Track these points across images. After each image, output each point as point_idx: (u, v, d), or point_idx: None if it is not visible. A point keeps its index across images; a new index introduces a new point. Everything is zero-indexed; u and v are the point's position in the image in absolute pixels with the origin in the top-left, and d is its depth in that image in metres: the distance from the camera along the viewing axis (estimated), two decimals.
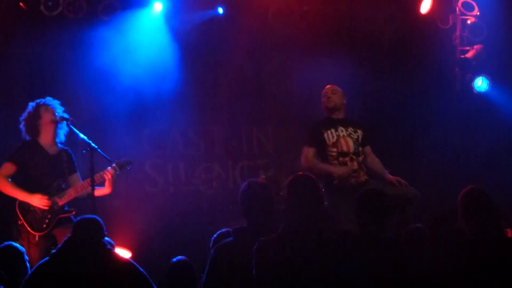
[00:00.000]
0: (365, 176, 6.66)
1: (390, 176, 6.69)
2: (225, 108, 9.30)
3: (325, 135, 6.68)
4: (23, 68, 8.33)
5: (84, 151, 6.23)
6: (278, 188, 7.58)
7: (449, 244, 4.91)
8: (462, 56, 9.17)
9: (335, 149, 6.64)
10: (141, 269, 4.63)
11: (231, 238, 4.73)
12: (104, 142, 6.74)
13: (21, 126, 6.49)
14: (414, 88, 9.41)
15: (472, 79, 9.11)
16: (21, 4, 8.02)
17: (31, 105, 6.51)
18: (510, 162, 9.19)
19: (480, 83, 9.13)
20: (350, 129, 6.76)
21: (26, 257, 5.22)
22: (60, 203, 6.29)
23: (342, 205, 6.22)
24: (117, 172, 6.39)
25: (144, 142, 8.96)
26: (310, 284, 4.24)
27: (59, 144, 6.55)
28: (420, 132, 9.33)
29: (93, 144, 6.19)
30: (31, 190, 6.23)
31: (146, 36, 8.54)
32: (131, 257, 7.24)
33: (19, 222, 6.20)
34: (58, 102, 6.56)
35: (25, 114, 6.49)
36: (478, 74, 9.08)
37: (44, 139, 6.45)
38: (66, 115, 6.45)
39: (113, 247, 4.95)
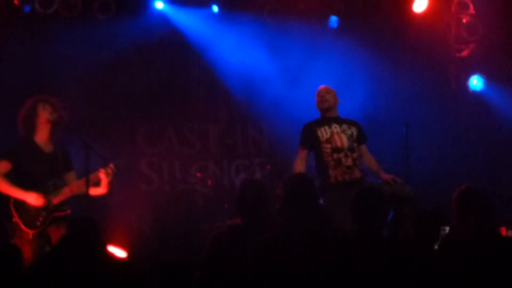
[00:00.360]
0: (360, 173, 6.66)
1: (385, 174, 6.69)
2: (220, 106, 9.30)
3: (319, 132, 6.68)
4: (17, 66, 8.29)
5: (80, 150, 6.20)
6: (273, 187, 7.58)
7: (442, 243, 4.90)
8: (458, 55, 9.18)
9: (329, 145, 6.63)
10: (136, 269, 4.63)
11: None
12: (100, 141, 6.72)
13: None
14: (409, 87, 9.41)
15: (467, 78, 9.13)
16: (15, 2, 8.00)
17: (29, 101, 6.40)
18: (505, 160, 9.21)
19: (475, 82, 9.15)
20: (344, 126, 6.76)
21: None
22: (55, 201, 6.25)
23: (338, 202, 6.22)
24: (114, 172, 6.35)
25: (139, 141, 8.95)
26: (306, 283, 4.24)
27: (54, 143, 6.50)
28: (415, 131, 9.32)
29: (88, 143, 6.17)
30: (26, 188, 6.18)
31: (142, 34, 8.52)
32: (126, 256, 7.25)
33: (13, 220, 6.17)
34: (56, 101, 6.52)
35: (22, 111, 6.39)
36: (473, 72, 9.10)
37: (40, 137, 6.38)
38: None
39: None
